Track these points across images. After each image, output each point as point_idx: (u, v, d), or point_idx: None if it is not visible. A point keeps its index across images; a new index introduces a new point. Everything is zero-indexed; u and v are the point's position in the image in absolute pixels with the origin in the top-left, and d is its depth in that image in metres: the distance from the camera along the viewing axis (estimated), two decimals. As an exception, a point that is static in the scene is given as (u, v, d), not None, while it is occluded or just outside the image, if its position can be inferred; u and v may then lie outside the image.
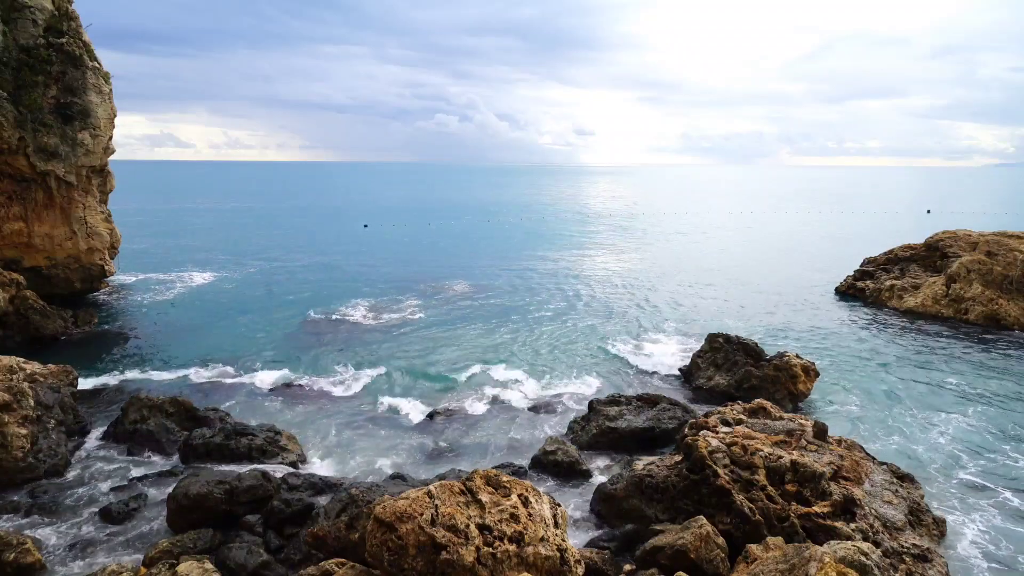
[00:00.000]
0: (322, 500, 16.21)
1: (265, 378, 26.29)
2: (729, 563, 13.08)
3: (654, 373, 27.79)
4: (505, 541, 11.24)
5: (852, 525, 13.75)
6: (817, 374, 25.09)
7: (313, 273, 50.37)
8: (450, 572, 10.76)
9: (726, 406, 19.25)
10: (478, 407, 23.58)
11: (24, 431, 18.14)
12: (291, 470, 18.43)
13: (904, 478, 16.71)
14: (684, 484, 15.24)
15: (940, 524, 15.48)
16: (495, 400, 24.33)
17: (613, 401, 22.38)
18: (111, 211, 39.61)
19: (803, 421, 17.81)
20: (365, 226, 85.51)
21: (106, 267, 37.79)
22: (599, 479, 18.07)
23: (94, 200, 36.83)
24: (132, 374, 26.69)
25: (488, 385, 25.87)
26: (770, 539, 12.79)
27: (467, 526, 11.19)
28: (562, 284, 46.96)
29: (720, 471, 14.78)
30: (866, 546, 11.44)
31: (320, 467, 19.32)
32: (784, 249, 66.83)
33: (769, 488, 14.62)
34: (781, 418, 18.16)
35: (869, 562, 10.86)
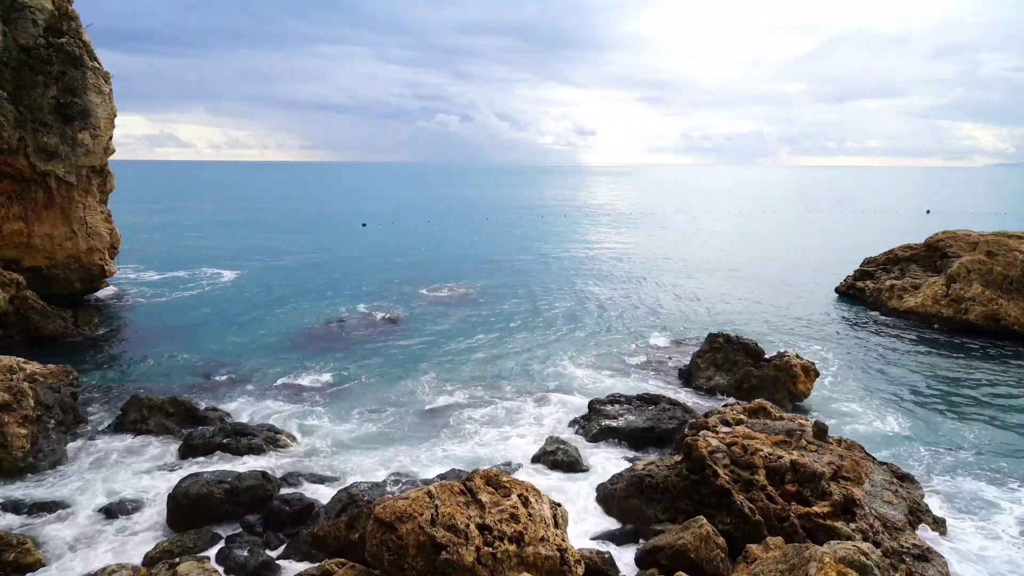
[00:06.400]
0: (322, 500, 16.24)
1: (265, 377, 26.30)
2: (729, 563, 13.09)
3: (654, 373, 27.78)
4: (505, 541, 11.24)
5: (852, 525, 13.75)
6: (817, 374, 25.09)
7: (313, 273, 50.36)
8: (450, 572, 10.76)
9: (726, 406, 19.26)
10: (478, 406, 23.59)
11: (24, 431, 18.15)
12: (291, 470, 18.46)
13: (904, 478, 16.71)
14: (684, 484, 15.24)
15: (940, 524, 15.48)
16: (495, 400, 24.33)
17: (613, 401, 22.39)
18: (111, 211, 39.61)
19: (803, 421, 17.83)
20: (364, 225, 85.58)
21: (106, 267, 37.78)
22: (599, 479, 18.06)
23: (94, 200, 36.82)
24: (132, 374, 26.70)
25: (487, 385, 25.88)
26: (770, 539, 12.78)
27: (467, 526, 11.18)
28: (561, 284, 46.94)
29: (720, 471, 14.78)
30: (866, 546, 11.44)
31: (320, 467, 19.30)
32: (784, 249, 66.82)
33: (769, 488, 14.63)
34: (781, 418, 18.17)
35: (869, 562, 10.86)
